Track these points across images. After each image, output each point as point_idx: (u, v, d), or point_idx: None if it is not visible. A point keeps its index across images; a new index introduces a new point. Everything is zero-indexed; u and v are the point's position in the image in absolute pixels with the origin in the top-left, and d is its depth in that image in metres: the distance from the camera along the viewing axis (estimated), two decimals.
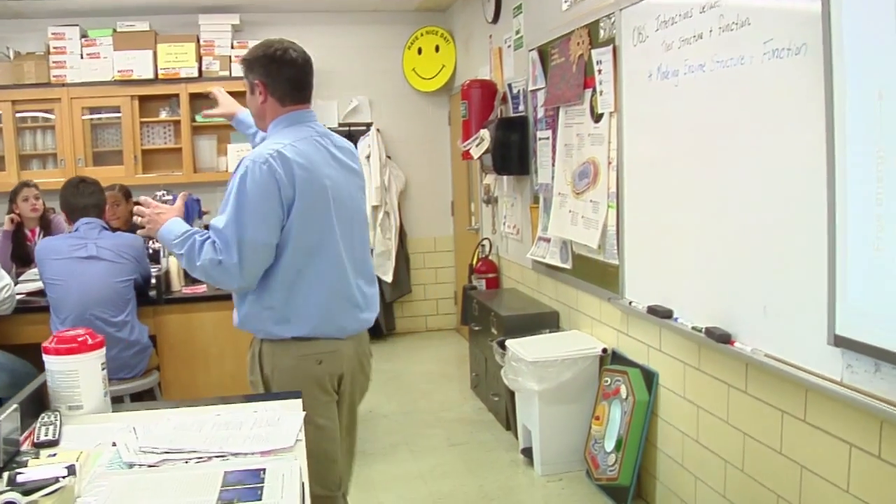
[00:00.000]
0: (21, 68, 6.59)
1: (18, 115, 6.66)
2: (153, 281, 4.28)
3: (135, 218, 2.76)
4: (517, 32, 5.45)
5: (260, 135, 3.03)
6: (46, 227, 5.23)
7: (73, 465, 1.72)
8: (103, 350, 2.20)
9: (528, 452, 4.47)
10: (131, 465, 1.76)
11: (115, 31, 6.72)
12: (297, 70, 2.70)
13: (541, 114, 4.99)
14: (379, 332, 7.61)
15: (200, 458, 1.79)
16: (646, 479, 3.88)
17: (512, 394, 4.68)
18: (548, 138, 4.86)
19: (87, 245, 3.97)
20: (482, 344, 5.38)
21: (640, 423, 3.76)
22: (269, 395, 2.58)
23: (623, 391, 3.87)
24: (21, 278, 4.75)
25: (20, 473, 1.70)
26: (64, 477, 1.66)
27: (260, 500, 1.43)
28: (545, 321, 4.95)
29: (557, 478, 4.25)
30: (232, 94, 3.43)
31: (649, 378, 3.79)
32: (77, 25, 6.68)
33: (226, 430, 1.93)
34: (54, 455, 1.85)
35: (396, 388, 6.14)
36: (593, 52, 4.05)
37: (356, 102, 7.54)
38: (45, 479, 1.61)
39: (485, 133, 5.58)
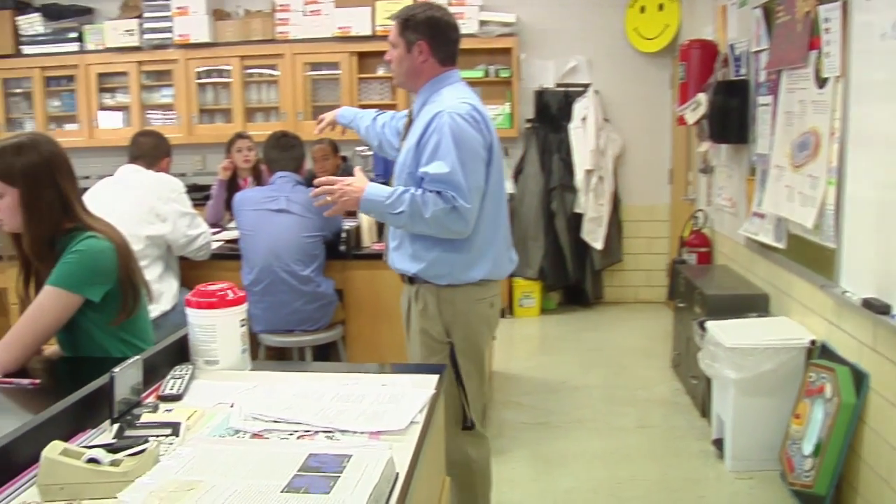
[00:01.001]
0: (249, 25, 6.91)
1: (246, 70, 7.00)
2: (343, 235, 4.31)
3: (323, 199, 2.75)
4: None
5: (364, 126, 3.27)
6: (258, 178, 5.43)
7: (179, 424, 1.70)
8: (244, 306, 2.17)
9: (719, 444, 4.13)
10: (236, 432, 1.71)
11: None
12: (457, 34, 2.85)
13: (762, 77, 4.54)
14: (585, 300, 7.40)
15: (307, 431, 1.71)
16: (846, 491, 3.46)
17: (710, 378, 4.35)
18: (768, 105, 4.41)
19: (279, 198, 4.05)
20: (685, 322, 5.05)
21: (843, 429, 3.34)
22: (405, 366, 2.58)
23: (828, 390, 3.46)
24: (229, 225, 4.98)
25: (131, 426, 1.70)
26: (165, 436, 1.64)
27: (328, 493, 1.31)
28: (753, 304, 4.54)
29: (748, 475, 3.90)
30: None
31: (859, 379, 3.35)
32: None
33: (344, 403, 1.84)
34: (170, 411, 1.84)
35: (595, 360, 5.91)
36: (820, 8, 3.59)
37: (574, 63, 7.24)
38: (141, 437, 1.59)
39: (701, 97, 5.19)
